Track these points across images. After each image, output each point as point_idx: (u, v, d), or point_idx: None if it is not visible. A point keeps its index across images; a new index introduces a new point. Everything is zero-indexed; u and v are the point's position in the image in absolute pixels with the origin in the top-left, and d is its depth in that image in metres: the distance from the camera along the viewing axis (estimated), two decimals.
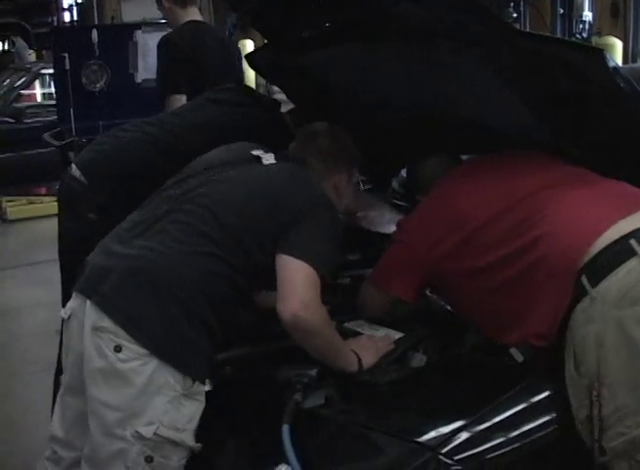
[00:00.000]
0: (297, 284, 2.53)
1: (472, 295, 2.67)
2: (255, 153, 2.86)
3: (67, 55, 7.07)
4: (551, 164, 2.83)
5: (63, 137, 7.21)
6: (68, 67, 7.10)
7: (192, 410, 2.45)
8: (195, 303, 2.46)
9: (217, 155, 2.93)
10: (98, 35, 7.25)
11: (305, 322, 2.50)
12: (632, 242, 2.35)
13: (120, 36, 7.63)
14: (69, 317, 2.58)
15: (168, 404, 2.39)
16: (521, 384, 2.44)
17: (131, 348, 2.38)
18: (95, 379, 2.43)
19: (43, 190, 10.46)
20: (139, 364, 2.38)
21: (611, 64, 2.38)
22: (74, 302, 2.57)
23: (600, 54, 2.39)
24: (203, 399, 2.49)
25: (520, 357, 2.50)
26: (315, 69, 3.41)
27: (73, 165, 3.87)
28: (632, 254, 2.34)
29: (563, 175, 2.75)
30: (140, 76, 7.56)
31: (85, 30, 8.07)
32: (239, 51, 5.25)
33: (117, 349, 2.38)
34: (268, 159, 2.84)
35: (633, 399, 2.27)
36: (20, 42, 18.71)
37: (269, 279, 2.61)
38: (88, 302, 2.47)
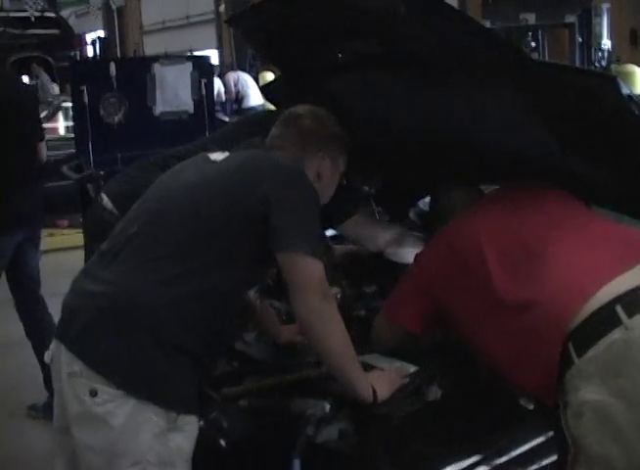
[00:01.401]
0: (309, 280, 2.46)
1: (474, 334, 2.64)
2: (212, 156, 2.73)
3: (85, 88, 7.11)
4: (560, 202, 2.82)
5: (81, 170, 7.23)
6: (86, 100, 7.13)
7: (180, 442, 2.39)
8: (167, 331, 2.38)
9: (177, 168, 2.81)
10: (116, 68, 7.27)
11: (328, 310, 2.46)
12: (618, 308, 2.30)
13: (138, 69, 7.65)
14: (52, 361, 2.52)
15: (153, 440, 2.34)
16: (537, 420, 2.41)
17: (106, 390, 2.32)
18: (77, 424, 2.39)
19: (65, 222, 10.48)
20: (115, 406, 2.32)
21: (624, 91, 2.35)
22: (54, 345, 2.51)
23: (613, 81, 2.37)
24: (192, 427, 2.42)
25: (530, 406, 2.48)
26: (330, 97, 3.39)
27: (104, 197, 3.89)
28: (617, 323, 2.29)
29: (568, 216, 2.74)
30: (158, 109, 7.59)
31: (103, 63, 8.13)
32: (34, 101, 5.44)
33: (93, 393, 2.32)
34: (219, 156, 2.71)
35: None
36: (43, 76, 18.90)
37: (255, 278, 2.59)
38: (62, 346, 2.43)
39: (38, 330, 5.12)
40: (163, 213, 2.56)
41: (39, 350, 5.00)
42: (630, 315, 2.28)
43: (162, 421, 2.35)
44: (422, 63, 2.79)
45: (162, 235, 2.50)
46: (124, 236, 2.55)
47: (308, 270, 2.46)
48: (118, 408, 2.32)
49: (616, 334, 2.27)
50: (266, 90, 3.87)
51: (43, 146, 5.35)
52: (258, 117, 4.07)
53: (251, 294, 2.86)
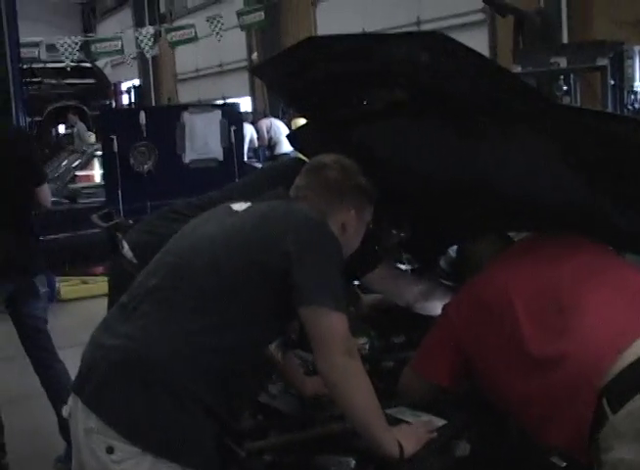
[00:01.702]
0: (333, 336, 2.40)
1: (503, 389, 2.57)
2: (234, 207, 2.69)
3: (114, 137, 7.16)
4: (591, 251, 2.78)
5: (111, 218, 7.24)
6: (116, 148, 7.18)
7: None
8: (184, 386, 2.32)
9: (199, 219, 2.75)
10: (146, 117, 7.33)
11: (354, 366, 2.41)
12: None
13: (168, 117, 7.72)
14: (69, 416, 2.47)
15: None
16: None
17: (122, 447, 2.27)
18: None
19: (98, 270, 10.52)
20: (133, 464, 2.27)
21: None
22: (71, 400, 2.46)
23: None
24: None
25: (562, 463, 2.37)
26: (356, 146, 3.36)
27: (125, 245, 3.86)
28: None
29: (600, 266, 2.68)
30: (188, 157, 7.64)
31: (133, 112, 8.19)
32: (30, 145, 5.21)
33: (110, 450, 2.27)
34: (241, 206, 2.67)
35: None
36: (80, 125, 19.11)
37: (275, 333, 2.55)
38: (79, 401, 2.39)
39: (49, 379, 5.04)
40: (184, 267, 2.51)
41: (53, 399, 4.96)
42: None
43: None
44: (448, 110, 2.75)
45: (182, 289, 2.45)
46: (144, 289, 2.51)
47: (332, 326, 2.41)
48: (136, 466, 2.27)
49: None
50: (292, 138, 3.85)
51: (44, 190, 5.08)
52: (284, 164, 4.03)
53: (273, 347, 2.81)
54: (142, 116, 7.32)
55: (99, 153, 11.51)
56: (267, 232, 2.50)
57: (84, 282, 10.21)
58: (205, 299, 2.42)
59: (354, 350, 2.47)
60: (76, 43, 18.36)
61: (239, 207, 2.68)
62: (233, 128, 7.82)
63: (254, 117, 17.73)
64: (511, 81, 2.48)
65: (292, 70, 3.08)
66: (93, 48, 18.94)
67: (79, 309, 9.26)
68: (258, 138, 16.63)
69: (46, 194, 5.11)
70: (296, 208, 2.64)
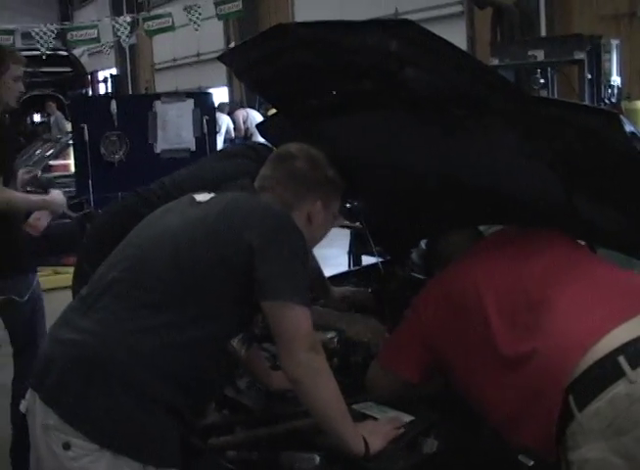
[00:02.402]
0: (297, 331, 2.36)
1: (472, 385, 2.53)
2: (198, 198, 2.63)
3: (85, 126, 7.07)
4: (563, 246, 2.74)
5: (82, 208, 7.19)
6: (86, 137, 7.09)
7: None
8: (143, 382, 2.26)
9: (161, 210, 2.70)
10: (117, 106, 7.24)
11: (318, 362, 2.37)
12: (621, 359, 2.19)
13: (140, 106, 7.62)
14: (27, 412, 2.41)
15: None
16: None
17: (80, 444, 2.21)
18: None
19: (71, 260, 10.42)
20: (90, 461, 2.21)
21: (628, 128, 2.24)
22: (30, 396, 2.40)
23: (616, 118, 2.26)
24: None
25: (529, 462, 2.32)
26: (327, 137, 3.30)
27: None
28: (620, 374, 2.17)
29: (571, 261, 2.65)
30: (159, 147, 7.56)
31: (104, 100, 8.09)
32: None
33: (66, 446, 2.22)
34: (205, 197, 2.61)
35: None
36: (58, 113, 18.98)
37: (237, 328, 2.50)
38: (37, 397, 2.33)
39: None
40: (144, 260, 2.45)
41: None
42: (634, 367, 2.16)
43: None
44: (419, 102, 2.70)
45: (143, 283, 2.39)
46: (104, 281, 2.44)
47: (296, 321, 2.36)
48: (93, 463, 2.21)
49: (618, 387, 2.16)
50: (262, 128, 3.78)
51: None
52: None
53: (235, 342, 2.75)
54: (113, 104, 7.23)
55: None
56: (230, 225, 2.44)
57: (57, 272, 10.09)
58: (164, 292, 2.36)
59: (318, 345, 2.42)
60: (52, 31, 18.25)
61: (202, 198, 2.62)
62: (206, 118, 7.75)
63: (231, 108, 17.64)
64: (482, 72, 2.43)
65: (260, 58, 3.01)
66: (69, 36, 18.85)
67: (53, 300, 9.14)
68: (235, 129, 16.54)
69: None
70: (259, 200, 2.59)
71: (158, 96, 7.88)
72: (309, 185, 2.67)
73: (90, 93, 23.25)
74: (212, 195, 2.62)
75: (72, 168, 11.87)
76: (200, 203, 2.59)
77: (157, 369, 2.28)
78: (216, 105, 13.04)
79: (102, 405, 2.23)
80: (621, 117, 2.25)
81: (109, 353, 2.28)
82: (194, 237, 2.44)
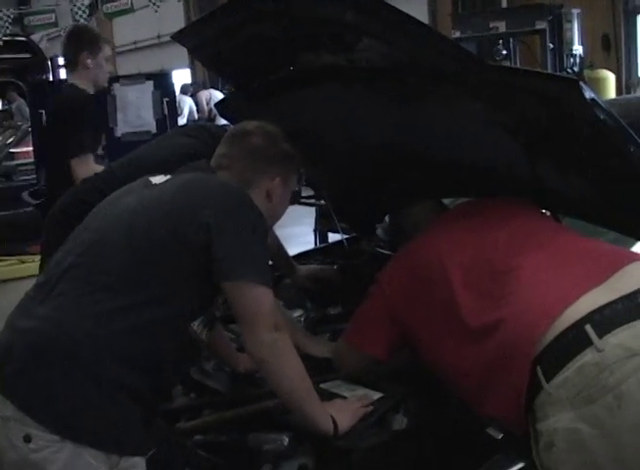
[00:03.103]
0: (259, 310, 2.33)
1: (439, 359, 2.51)
2: (153, 180, 2.58)
3: (43, 111, 6.95)
4: (527, 215, 2.72)
5: (42, 195, 7.07)
6: (45, 123, 6.98)
7: None
8: (103, 368, 2.21)
9: (116, 194, 2.65)
10: None
11: (281, 340, 2.34)
12: (588, 328, 2.16)
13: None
14: None
15: None
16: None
17: (41, 435, 2.15)
18: None
19: (36, 249, 10.31)
20: (52, 452, 2.15)
21: (588, 95, 2.22)
22: None
23: (576, 85, 2.23)
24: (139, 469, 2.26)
25: (498, 435, 2.30)
26: (286, 112, 3.26)
27: None
28: (587, 343, 2.15)
29: (535, 230, 2.63)
30: (120, 130, 7.48)
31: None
32: None
33: (27, 438, 2.16)
34: (160, 179, 2.56)
35: None
36: (19, 100, 18.76)
37: (197, 310, 2.47)
38: None
39: None
40: (101, 243, 2.40)
41: None
42: (601, 335, 2.14)
43: (104, 466, 2.18)
44: (377, 73, 2.66)
45: (99, 266, 2.35)
46: (60, 268, 2.39)
47: (257, 300, 2.33)
48: (55, 454, 2.15)
49: (586, 356, 2.13)
50: (221, 107, 3.73)
51: None
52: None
53: (196, 325, 2.70)
54: None
55: None
56: (185, 203, 2.40)
57: (22, 261, 9.98)
58: (122, 275, 2.32)
59: (281, 324, 2.39)
60: (9, 17, 17.97)
61: (158, 180, 2.57)
62: (166, 100, 7.66)
63: (194, 89, 17.54)
64: (438, 41, 2.40)
65: (216, 34, 2.96)
66: (26, 21, 18.57)
67: (18, 290, 9.05)
68: (198, 110, 16.46)
69: None
70: (214, 179, 2.56)
71: (116, 79, 7.76)
72: (267, 161, 2.63)
73: (51, 79, 23.00)
74: (168, 176, 2.58)
75: None
76: (155, 184, 2.55)
77: (116, 353, 2.23)
78: (180, 87, 12.96)
79: (61, 394, 2.18)
80: (581, 83, 2.22)
81: (67, 339, 2.23)
82: (149, 217, 2.40)
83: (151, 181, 2.58)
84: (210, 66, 3.54)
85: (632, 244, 2.89)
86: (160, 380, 2.37)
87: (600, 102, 2.27)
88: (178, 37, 3.14)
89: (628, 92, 11.48)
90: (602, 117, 2.25)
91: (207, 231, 2.32)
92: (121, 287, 2.30)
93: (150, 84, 7.63)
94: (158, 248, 2.33)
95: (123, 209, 2.49)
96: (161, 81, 8.00)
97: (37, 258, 9.53)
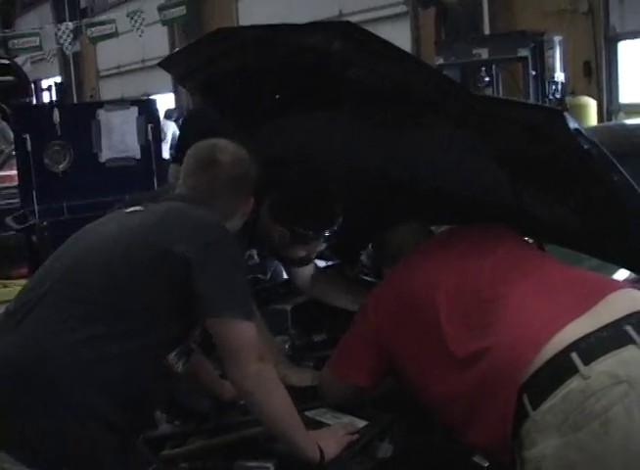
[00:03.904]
0: (242, 345, 2.34)
1: (425, 387, 2.51)
2: (128, 210, 2.57)
3: (27, 136, 6.96)
4: (513, 244, 2.74)
5: (26, 220, 7.06)
6: (29, 148, 6.98)
7: None
8: (79, 398, 2.18)
9: (94, 223, 2.62)
10: (60, 115, 7.13)
11: (267, 371, 2.35)
12: (574, 356, 2.19)
13: (83, 115, 7.51)
14: None
15: None
16: None
17: (12, 468, 2.13)
18: None
19: (19, 273, 10.25)
20: None
21: (572, 125, 2.24)
22: None
23: (560, 115, 2.25)
24: None
25: (484, 462, 2.31)
26: (271, 138, 3.28)
27: None
28: (573, 371, 2.17)
29: (521, 259, 2.64)
30: (104, 156, 7.47)
31: (47, 110, 7.95)
32: None
33: None
34: (136, 209, 2.55)
35: None
36: (2, 123, 18.68)
37: (174, 342, 2.46)
38: None
39: None
40: (77, 270, 2.38)
41: None
42: (587, 363, 2.16)
43: None
44: (365, 101, 2.68)
45: (75, 294, 2.33)
46: (35, 294, 2.35)
47: (241, 335, 2.35)
48: None
49: (572, 383, 2.15)
50: None
51: None
52: None
53: (171, 357, 2.67)
54: (56, 113, 7.12)
55: None
56: (165, 235, 2.40)
57: (4, 286, 9.93)
58: (98, 304, 2.30)
59: (266, 355, 2.41)
60: None
61: (133, 209, 2.57)
62: (150, 126, 7.66)
63: (178, 114, 17.50)
64: (424, 71, 2.42)
65: (202, 62, 2.97)
66: (11, 44, 18.56)
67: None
68: None
69: None
70: (194, 210, 2.53)
71: (101, 104, 7.77)
72: (244, 188, 2.66)
73: (34, 102, 22.96)
74: (143, 207, 2.58)
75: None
76: (136, 211, 2.55)
77: (90, 382, 2.21)
78: (163, 111, 12.93)
79: (34, 424, 2.16)
80: (566, 114, 2.24)
81: (39, 368, 2.20)
82: (129, 245, 2.39)
83: (127, 212, 2.57)
84: (197, 93, 3.56)
85: (614, 271, 2.92)
86: (134, 410, 2.33)
87: (584, 132, 2.29)
88: (164, 64, 3.15)
89: (610, 119, 11.55)
90: (586, 146, 2.26)
91: (187, 266, 2.32)
92: (97, 316, 2.28)
93: (134, 110, 7.62)
94: (136, 278, 2.33)
95: (103, 236, 2.47)
96: (146, 107, 7.99)
97: (21, 282, 9.54)
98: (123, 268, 2.34)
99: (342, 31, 2.40)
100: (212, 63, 2.92)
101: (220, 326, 2.34)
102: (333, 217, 3.20)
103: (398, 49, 2.34)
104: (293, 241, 3.18)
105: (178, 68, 3.19)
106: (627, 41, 11.96)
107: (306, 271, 3.63)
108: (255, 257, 3.65)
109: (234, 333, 2.34)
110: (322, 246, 3.34)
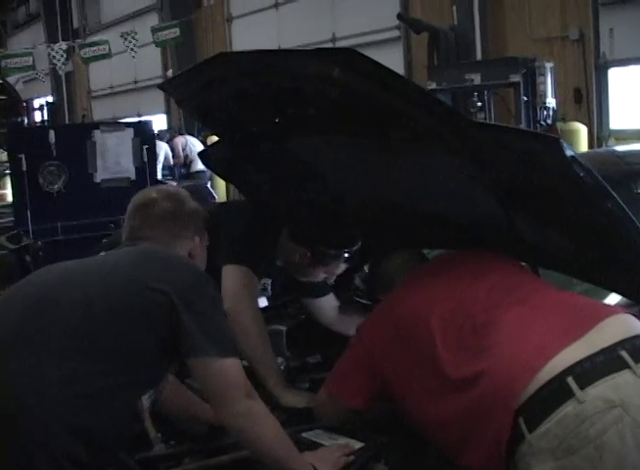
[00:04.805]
0: (229, 383, 2.35)
1: (420, 410, 2.53)
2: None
3: (23, 156, 6.98)
4: (507, 269, 2.76)
5: (20, 240, 7.06)
6: (24, 168, 6.99)
7: None
8: (48, 436, 2.11)
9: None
10: (55, 135, 7.16)
11: (255, 407, 2.37)
12: (569, 380, 2.21)
13: (79, 136, 7.54)
14: None
15: None
16: None
17: None
18: None
19: None
20: None
21: (568, 153, 2.27)
22: None
23: (556, 143, 2.28)
24: None
25: None
26: (268, 163, 3.31)
27: None
28: (569, 395, 2.19)
29: (516, 284, 2.66)
30: (99, 176, 7.50)
31: (42, 130, 7.98)
32: None
33: None
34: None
35: None
36: None
37: (148, 383, 2.44)
38: None
39: None
40: (50, 304, 2.31)
41: None
42: (582, 387, 2.18)
43: None
44: (361, 127, 2.70)
45: (48, 330, 2.25)
46: (3, 329, 2.29)
47: (226, 373, 2.36)
48: None
49: (567, 407, 2.17)
50: (204, 156, 3.76)
51: None
52: None
53: (144, 399, 2.60)
54: (51, 134, 7.15)
55: (9, 171, 11.27)
56: (144, 275, 2.38)
57: None
58: (70, 341, 2.23)
59: (252, 391, 2.41)
60: None
61: (107, 253, 2.61)
62: (145, 147, 7.70)
63: (170, 135, 17.55)
64: (423, 98, 2.45)
65: (202, 86, 3.00)
66: (3, 64, 18.58)
67: None
68: (174, 156, 16.45)
69: None
70: (169, 251, 2.56)
71: (97, 125, 7.81)
72: (181, 223, 2.67)
73: (26, 121, 22.98)
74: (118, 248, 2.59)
75: (10, 198, 11.73)
76: (110, 254, 2.56)
77: (60, 420, 2.14)
78: (156, 132, 12.97)
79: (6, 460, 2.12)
80: (562, 141, 2.27)
81: (12, 402, 2.13)
82: (107, 285, 2.35)
83: (104, 254, 2.59)
84: (195, 115, 3.58)
85: (605, 295, 2.95)
86: (100, 450, 2.24)
87: (579, 159, 2.32)
88: (165, 87, 3.18)
89: (600, 145, 11.62)
90: (581, 174, 2.29)
91: (170, 308, 2.30)
92: (68, 354, 2.21)
93: (130, 131, 7.67)
94: (115, 316, 2.28)
95: (76, 269, 2.46)
96: (142, 129, 8.04)
97: None
98: (103, 303, 2.29)
99: (342, 58, 2.43)
100: (212, 86, 2.94)
101: (203, 366, 2.34)
102: (352, 237, 3.25)
103: (402, 78, 2.38)
104: (313, 261, 3.22)
105: (178, 91, 3.21)
106: (617, 68, 12.04)
107: (331, 304, 3.66)
108: (269, 289, 3.67)
109: (218, 372, 2.34)
110: (342, 268, 3.36)
